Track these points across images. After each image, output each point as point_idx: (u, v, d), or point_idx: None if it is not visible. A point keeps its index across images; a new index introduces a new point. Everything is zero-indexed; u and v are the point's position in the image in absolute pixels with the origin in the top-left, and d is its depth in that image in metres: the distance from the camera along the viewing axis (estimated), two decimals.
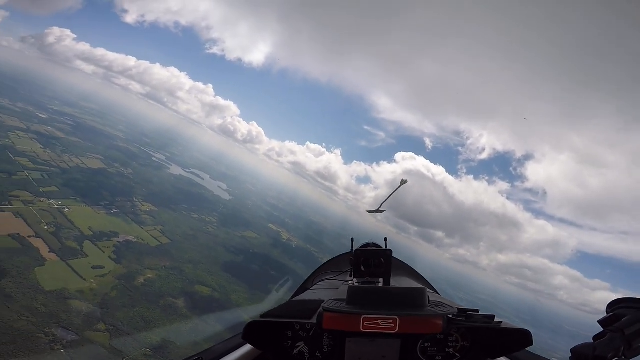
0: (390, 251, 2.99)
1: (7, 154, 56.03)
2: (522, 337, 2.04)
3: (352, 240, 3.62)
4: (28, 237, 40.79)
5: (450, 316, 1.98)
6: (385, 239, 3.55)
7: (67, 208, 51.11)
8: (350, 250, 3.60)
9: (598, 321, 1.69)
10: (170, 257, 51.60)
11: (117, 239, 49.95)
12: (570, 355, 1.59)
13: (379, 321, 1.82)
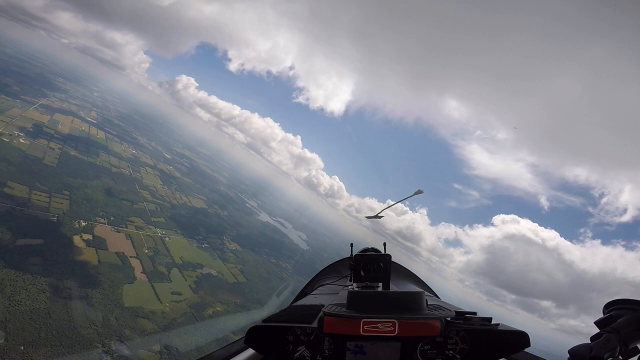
0: (389, 256, 2.80)
1: (134, 186, 64.18)
2: (520, 339, 1.96)
3: (352, 245, 3.20)
4: (130, 256, 43.97)
5: (449, 319, 1.91)
6: (384, 244, 3.13)
7: (168, 237, 54.83)
8: (350, 255, 3.15)
9: (594, 322, 1.68)
10: (242, 295, 50.96)
11: (201, 271, 51.45)
12: (568, 356, 1.57)
13: (378, 325, 1.78)
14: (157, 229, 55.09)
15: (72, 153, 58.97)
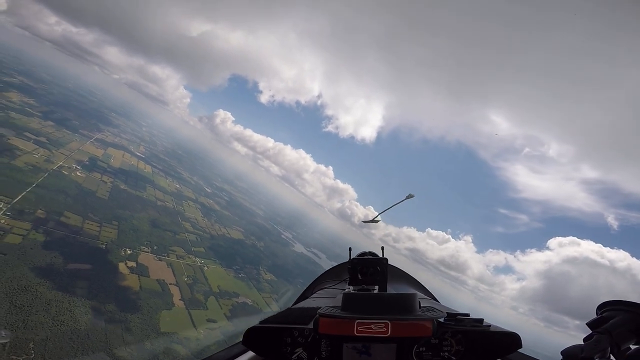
0: (386, 259, 2.77)
1: (177, 218, 66.21)
2: (512, 340, 1.97)
3: (350, 249, 3.11)
4: (170, 284, 44.34)
5: (440, 320, 1.94)
6: (382, 248, 3.14)
7: (207, 267, 55.19)
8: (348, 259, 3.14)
9: (586, 323, 1.68)
10: None
11: (237, 300, 50.94)
12: (560, 357, 1.57)
13: (371, 325, 1.76)
14: (197, 259, 55.75)
15: (122, 187, 62.54)
